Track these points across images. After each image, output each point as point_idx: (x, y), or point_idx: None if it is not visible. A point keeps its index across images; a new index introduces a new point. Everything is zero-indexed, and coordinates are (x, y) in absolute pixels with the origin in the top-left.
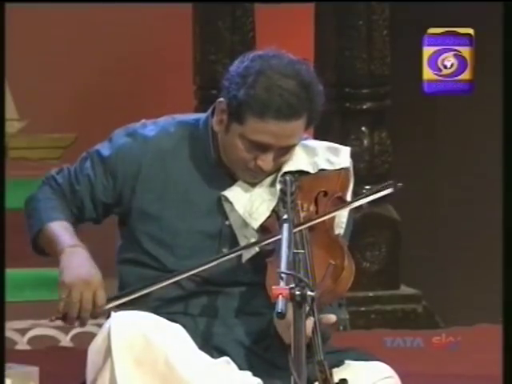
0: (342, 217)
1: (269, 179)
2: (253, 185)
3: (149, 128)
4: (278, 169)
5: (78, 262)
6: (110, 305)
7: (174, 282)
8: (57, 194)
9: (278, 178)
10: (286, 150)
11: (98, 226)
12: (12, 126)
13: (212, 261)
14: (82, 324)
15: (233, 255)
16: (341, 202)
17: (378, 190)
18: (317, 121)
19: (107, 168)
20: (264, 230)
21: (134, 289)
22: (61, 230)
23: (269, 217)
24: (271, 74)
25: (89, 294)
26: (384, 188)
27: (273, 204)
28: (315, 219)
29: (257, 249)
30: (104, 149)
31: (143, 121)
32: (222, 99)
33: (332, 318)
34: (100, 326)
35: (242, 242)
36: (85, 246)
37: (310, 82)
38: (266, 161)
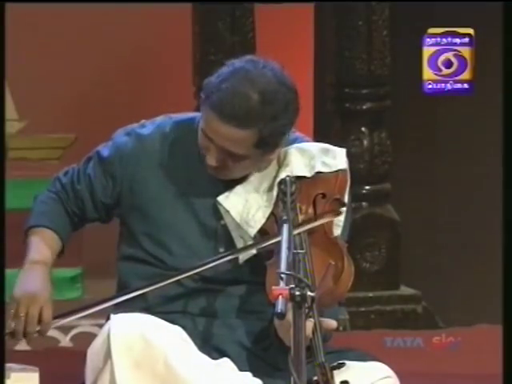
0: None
1: (265, 186)
2: (248, 190)
3: (146, 127)
4: (275, 175)
5: (30, 278)
6: (58, 323)
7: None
8: (56, 197)
9: (277, 181)
10: (227, 154)
11: (96, 225)
12: (12, 127)
13: (212, 261)
14: (29, 341)
15: (231, 257)
16: (339, 204)
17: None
18: (272, 144)
19: (106, 169)
20: (262, 232)
21: (90, 304)
22: (36, 240)
23: (267, 220)
24: (242, 79)
25: (34, 310)
26: None
27: (269, 210)
28: (313, 222)
29: (254, 251)
30: (104, 149)
31: (143, 121)
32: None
33: (333, 323)
34: (100, 326)
35: (238, 243)
36: (49, 262)
37: (276, 103)
38: (209, 154)
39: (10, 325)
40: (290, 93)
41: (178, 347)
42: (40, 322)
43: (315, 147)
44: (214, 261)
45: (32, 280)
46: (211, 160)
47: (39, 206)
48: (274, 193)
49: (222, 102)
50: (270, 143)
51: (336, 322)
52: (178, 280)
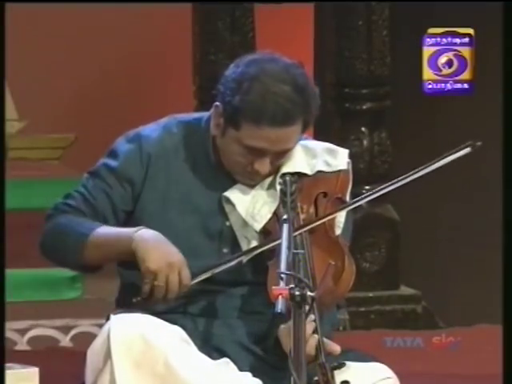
0: (340, 216)
1: (269, 180)
2: (254, 186)
3: (150, 129)
4: (278, 170)
5: (154, 244)
6: (194, 281)
7: None
8: (76, 214)
9: (278, 179)
10: (282, 154)
11: None
12: (12, 126)
13: (219, 265)
14: (166, 303)
15: (237, 260)
16: (340, 203)
17: (455, 150)
18: (312, 124)
19: (121, 176)
20: (265, 231)
21: (214, 265)
22: (109, 229)
23: (270, 219)
24: (265, 79)
25: (175, 276)
26: (462, 148)
27: (274, 205)
28: (316, 220)
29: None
30: (110, 161)
31: (141, 127)
32: (218, 103)
33: (337, 349)
34: (100, 326)
35: (243, 243)
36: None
37: (305, 86)
38: (263, 165)
39: (148, 292)
40: (304, 72)
41: (178, 347)
42: (180, 285)
43: (319, 146)
44: (221, 265)
45: (158, 245)
46: (265, 167)
47: (73, 222)
48: (278, 188)
49: (267, 111)
50: (308, 125)
51: (339, 347)
52: None
